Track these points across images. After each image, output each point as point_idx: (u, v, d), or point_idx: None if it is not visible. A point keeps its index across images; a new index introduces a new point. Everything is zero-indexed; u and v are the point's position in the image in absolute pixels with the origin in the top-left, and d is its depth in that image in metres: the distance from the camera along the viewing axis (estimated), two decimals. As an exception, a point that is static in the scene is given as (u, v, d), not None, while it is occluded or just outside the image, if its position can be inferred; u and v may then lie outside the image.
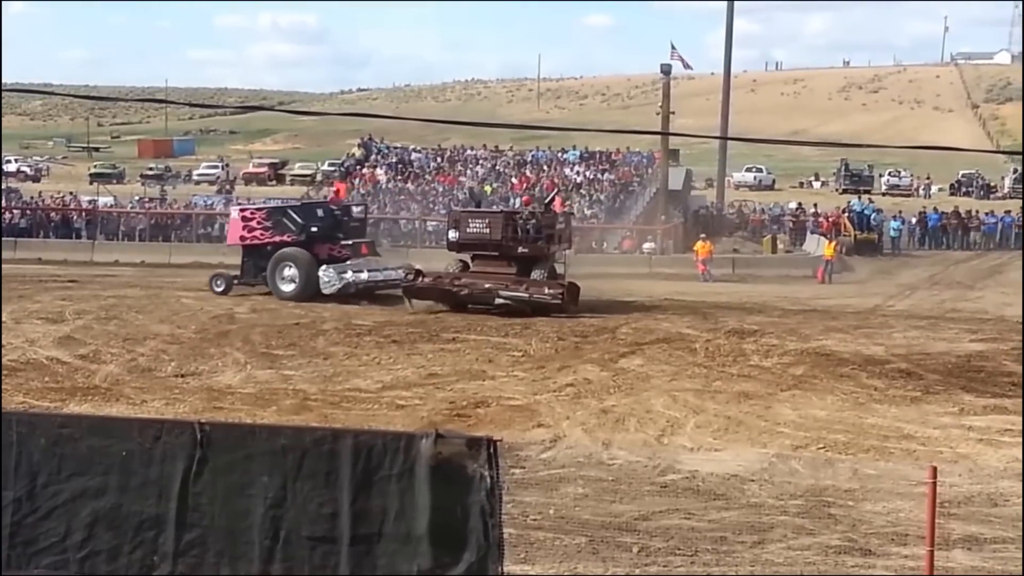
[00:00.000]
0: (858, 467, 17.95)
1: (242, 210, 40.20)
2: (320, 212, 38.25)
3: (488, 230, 35.02)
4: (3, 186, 59.87)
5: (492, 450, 10.22)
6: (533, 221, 35.05)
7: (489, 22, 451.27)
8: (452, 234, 36.00)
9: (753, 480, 17.19)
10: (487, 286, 33.67)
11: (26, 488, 11.04)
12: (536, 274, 34.30)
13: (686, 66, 63.28)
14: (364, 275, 36.60)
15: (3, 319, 30.92)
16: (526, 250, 34.79)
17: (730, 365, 26.53)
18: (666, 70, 59.65)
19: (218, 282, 37.66)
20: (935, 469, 11.65)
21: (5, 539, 11.06)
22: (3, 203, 56.90)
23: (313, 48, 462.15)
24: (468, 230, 35.31)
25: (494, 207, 39.58)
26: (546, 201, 38.32)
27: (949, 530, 14.41)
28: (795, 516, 15.45)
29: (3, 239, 52.43)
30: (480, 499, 10.19)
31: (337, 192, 42.39)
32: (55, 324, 30.59)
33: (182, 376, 24.80)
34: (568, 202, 51.26)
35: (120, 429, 11.35)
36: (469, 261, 35.74)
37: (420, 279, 34.43)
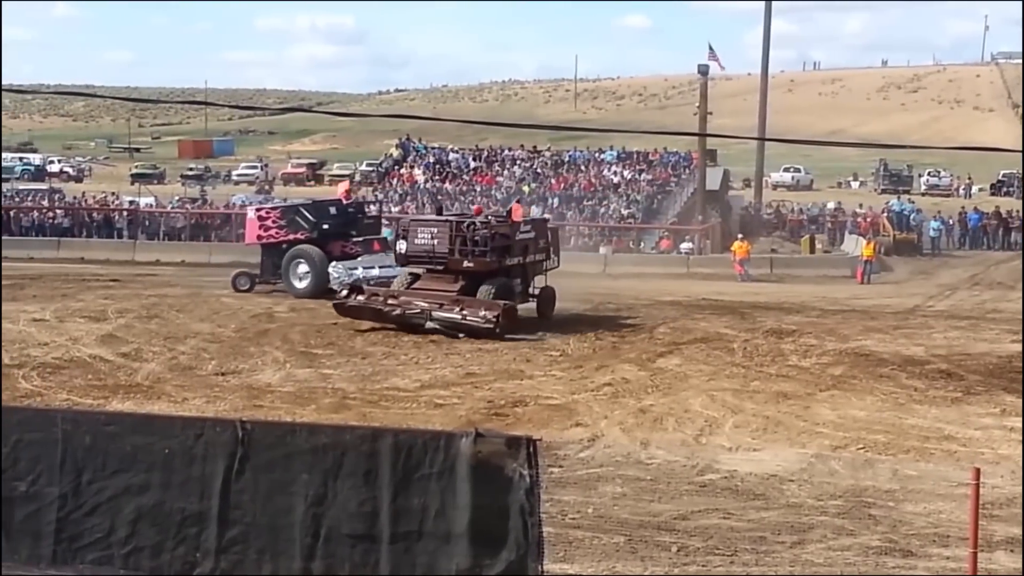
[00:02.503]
0: (898, 468, 17.88)
1: (257, 210, 40.47)
2: (333, 210, 38.24)
3: (436, 241, 31.29)
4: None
5: (531, 449, 10.25)
6: (483, 232, 31.12)
7: (526, 23, 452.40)
8: (400, 245, 32.29)
9: (792, 480, 17.16)
10: (422, 306, 30.21)
11: (71, 484, 11.17)
12: (483, 292, 30.39)
13: (720, 66, 63.12)
14: (374, 271, 35.81)
15: (47, 317, 31.28)
16: (471, 264, 30.93)
17: (768, 365, 26.48)
18: (703, 70, 59.56)
19: (241, 281, 37.75)
20: (978, 471, 11.61)
21: (43, 534, 11.18)
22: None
23: (351, 49, 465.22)
24: (416, 241, 31.66)
25: (447, 215, 34.81)
26: (506, 210, 34.97)
27: (991, 532, 14.37)
28: (835, 517, 15.42)
29: (45, 238, 52.98)
30: (519, 498, 10.21)
31: (347, 192, 42.24)
32: (98, 322, 30.81)
33: (222, 374, 24.91)
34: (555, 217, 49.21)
35: (163, 427, 11.47)
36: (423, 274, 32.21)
37: (354, 295, 31.22)
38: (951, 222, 60.40)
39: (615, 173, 63.08)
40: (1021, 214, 59.89)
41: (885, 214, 58.73)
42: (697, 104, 57.91)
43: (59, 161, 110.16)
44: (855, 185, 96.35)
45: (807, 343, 29.20)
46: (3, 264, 44.54)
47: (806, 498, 16.29)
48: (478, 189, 61.79)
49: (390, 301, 30.52)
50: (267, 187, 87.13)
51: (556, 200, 59.75)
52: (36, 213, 58.44)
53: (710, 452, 18.84)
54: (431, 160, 67.79)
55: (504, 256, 31.28)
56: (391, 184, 65.34)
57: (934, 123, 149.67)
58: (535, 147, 69.59)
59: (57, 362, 25.60)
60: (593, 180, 61.88)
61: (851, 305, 37.10)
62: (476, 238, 30.94)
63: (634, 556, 13.86)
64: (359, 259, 36.83)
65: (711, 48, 61.85)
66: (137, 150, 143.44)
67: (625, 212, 57.86)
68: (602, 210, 58.10)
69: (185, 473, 11.01)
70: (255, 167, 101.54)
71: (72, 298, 35.30)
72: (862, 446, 19.33)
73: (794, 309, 35.87)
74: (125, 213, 59.05)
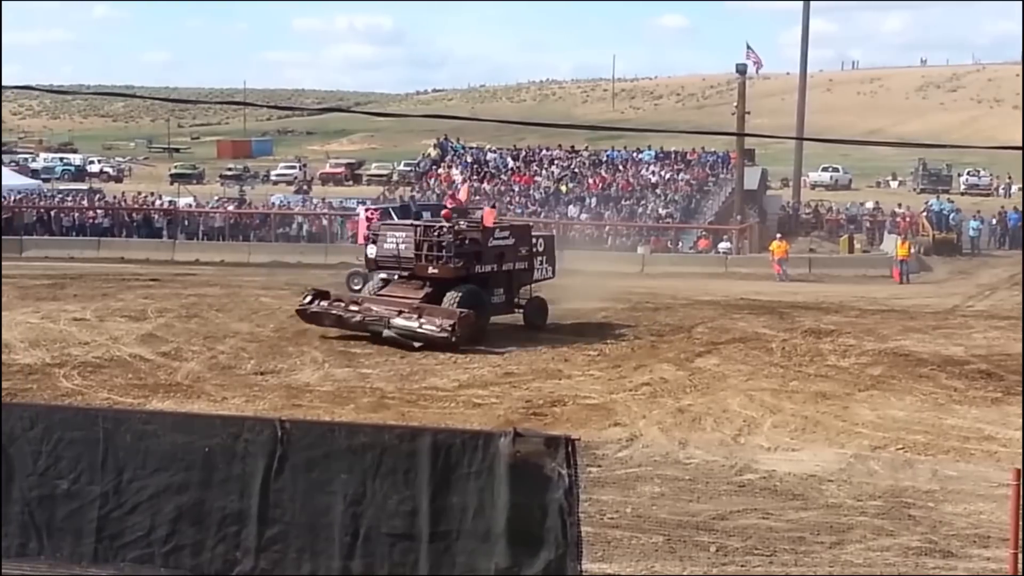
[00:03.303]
0: (938, 468, 17.82)
1: (367, 210, 40.87)
2: (427, 214, 37.53)
3: (403, 247, 30.18)
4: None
5: (570, 449, 10.24)
6: (450, 237, 29.70)
7: (563, 23, 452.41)
8: (370, 250, 31.37)
9: (831, 480, 17.13)
10: (381, 313, 28.96)
11: (112, 483, 11.24)
12: (448, 299, 28.94)
13: (757, 66, 62.85)
14: None
15: (87, 317, 31.51)
16: (436, 271, 29.62)
17: (807, 365, 26.42)
18: (742, 70, 59.30)
19: (355, 280, 36.64)
20: (1019, 471, 11.54)
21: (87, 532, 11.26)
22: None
23: (389, 49, 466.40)
24: (385, 246, 30.62)
25: (416, 220, 32.63)
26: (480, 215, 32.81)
27: (1031, 532, 14.29)
28: (874, 517, 15.38)
29: (86, 238, 53.26)
30: (558, 497, 10.20)
31: (452, 196, 41.80)
32: (138, 322, 31.01)
33: (261, 374, 25.05)
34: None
35: (203, 426, 11.51)
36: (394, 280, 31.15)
37: (316, 302, 30.18)
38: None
39: (653, 173, 62.89)
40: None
41: (924, 214, 58.37)
42: (735, 104, 57.66)
43: (99, 161, 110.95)
44: (894, 185, 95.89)
45: (846, 343, 29.12)
46: (45, 264, 45.05)
47: (845, 498, 16.25)
48: (516, 189, 61.76)
49: (351, 308, 29.49)
50: (305, 187, 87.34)
51: (594, 200, 59.67)
52: (76, 213, 58.77)
53: (749, 452, 18.83)
54: (469, 160, 67.80)
55: (473, 263, 29.99)
56: (429, 184, 65.34)
57: (973, 122, 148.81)
58: (573, 147, 69.44)
59: (98, 361, 25.80)
60: (631, 180, 61.71)
61: (890, 305, 36.94)
62: (443, 243, 29.67)
63: (673, 556, 13.86)
64: None
65: (749, 47, 61.57)
66: (176, 150, 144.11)
67: (663, 212, 57.70)
68: (640, 210, 57.95)
69: (225, 472, 11.05)
70: (293, 167, 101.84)
71: (112, 297, 35.54)
72: (901, 446, 19.28)
73: (833, 309, 35.75)
74: (164, 213, 59.31)
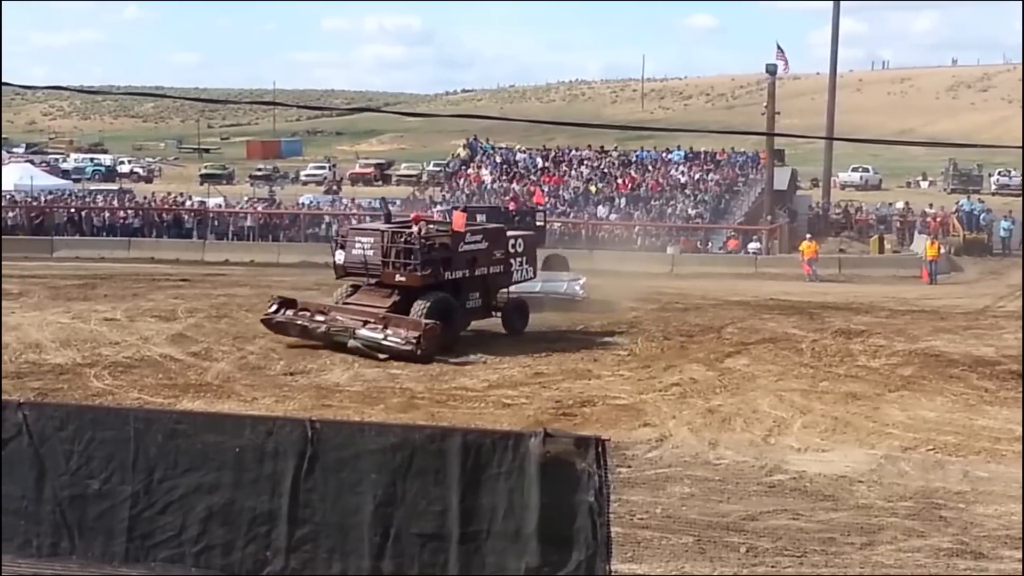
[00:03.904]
0: (969, 469, 17.75)
1: (454, 209, 40.41)
2: (483, 217, 36.88)
3: (370, 252, 28.73)
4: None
5: (600, 449, 10.24)
6: (417, 243, 28.18)
7: (592, 23, 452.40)
8: (338, 256, 29.75)
9: (862, 481, 17.08)
10: (346, 324, 27.66)
11: (143, 483, 11.29)
12: (416, 308, 27.54)
13: (785, 67, 62.74)
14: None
15: (118, 317, 31.66)
16: (403, 279, 28.18)
17: (837, 365, 26.34)
18: (771, 70, 59.19)
19: None
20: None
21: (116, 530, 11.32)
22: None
23: (418, 50, 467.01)
24: (352, 252, 29.19)
25: (382, 224, 30.91)
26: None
27: (1062, 534, 14.23)
28: (905, 518, 15.33)
29: (116, 238, 53.48)
30: (588, 498, 10.20)
31: (513, 198, 41.01)
32: (168, 322, 31.12)
33: (291, 374, 25.09)
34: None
35: (233, 426, 11.54)
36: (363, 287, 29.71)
37: (282, 311, 28.91)
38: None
39: (682, 173, 62.85)
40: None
41: (955, 214, 58.14)
42: (765, 104, 57.61)
43: (129, 162, 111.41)
44: (924, 185, 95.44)
45: (876, 343, 29.02)
46: (75, 264, 45.29)
47: (876, 499, 16.21)
48: (545, 189, 61.76)
49: (317, 317, 28.20)
50: (335, 187, 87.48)
51: (623, 200, 59.64)
52: (107, 213, 59.03)
53: (779, 453, 18.79)
54: (498, 160, 67.83)
55: (443, 269, 28.60)
56: (458, 184, 65.39)
57: (1004, 122, 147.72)
58: (602, 147, 69.40)
59: (128, 361, 25.90)
60: (660, 180, 61.69)
61: (920, 305, 36.80)
62: (411, 250, 28.25)
63: (703, 557, 13.85)
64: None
65: (779, 47, 61.45)
66: (206, 150, 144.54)
67: (692, 212, 57.66)
68: (669, 210, 57.91)
69: (255, 472, 11.08)
70: (323, 167, 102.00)
71: (142, 297, 35.69)
72: (932, 447, 19.19)
73: (863, 309, 35.64)
74: (194, 213, 59.51)
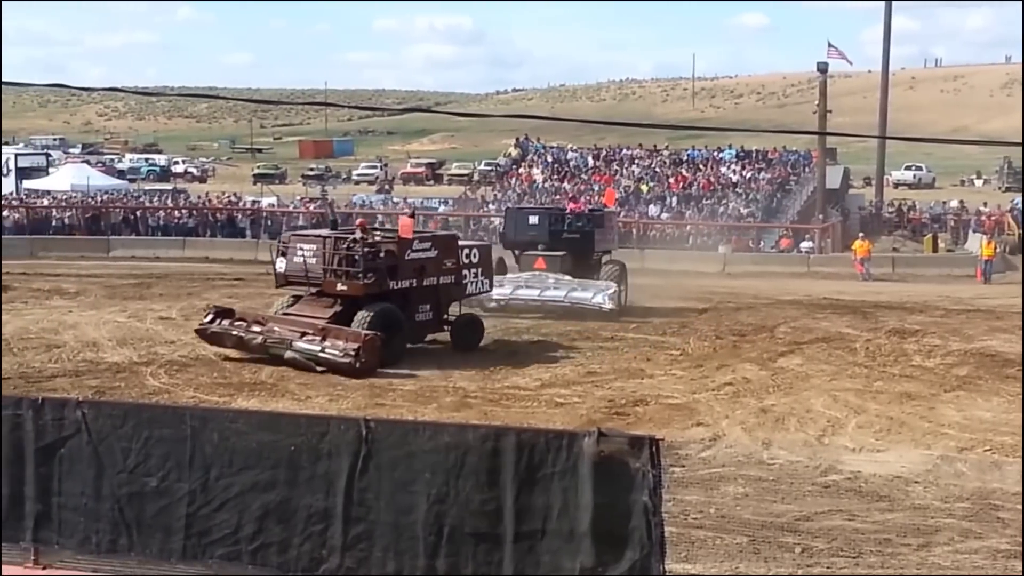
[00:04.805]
0: (1026, 470, 17.60)
1: (509, 208, 40.84)
2: (533, 219, 36.13)
3: (312, 260, 27.09)
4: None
5: (654, 448, 10.22)
6: (360, 250, 26.68)
7: (643, 22, 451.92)
8: (279, 264, 27.88)
9: (917, 482, 16.99)
10: (283, 335, 26.06)
11: (200, 480, 11.39)
12: (359, 319, 25.91)
13: (848, 62, 62.47)
14: (523, 291, 33.07)
15: (173, 315, 31.88)
16: (345, 288, 26.60)
17: (891, 365, 26.18)
18: (823, 68, 58.94)
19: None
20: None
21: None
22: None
23: (469, 49, 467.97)
24: (294, 259, 27.44)
25: (325, 230, 29.09)
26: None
27: (1122, 535, 14.10)
28: (962, 519, 15.23)
29: (171, 238, 53.86)
30: (643, 497, 10.18)
31: (572, 199, 40.82)
32: (222, 321, 31.23)
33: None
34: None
35: (289, 425, 11.62)
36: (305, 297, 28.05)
37: (218, 321, 27.13)
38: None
39: (734, 172, 62.69)
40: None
41: (1010, 212, 57.61)
42: (816, 102, 57.38)
43: (183, 162, 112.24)
44: (978, 183, 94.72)
45: (931, 343, 28.83)
46: (131, 263, 45.66)
47: (932, 500, 16.12)
48: (596, 188, 61.71)
49: (253, 328, 26.52)
50: (387, 187, 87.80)
51: (675, 199, 59.54)
52: (162, 213, 59.45)
53: (833, 453, 18.71)
54: (549, 159, 67.86)
55: (388, 278, 26.93)
56: (509, 183, 65.45)
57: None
58: (654, 146, 69.32)
59: (183, 360, 26.07)
60: (712, 179, 61.56)
61: (975, 305, 36.50)
62: (354, 257, 26.75)
63: (757, 557, 13.81)
64: (505, 276, 33.62)
65: (832, 45, 61.07)
66: (259, 150, 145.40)
67: (744, 211, 57.47)
68: (721, 209, 57.75)
69: (311, 470, 11.15)
70: (375, 167, 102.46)
71: (197, 296, 35.92)
72: (988, 448, 19.05)
73: (917, 309, 35.40)
74: (248, 213, 59.82)
